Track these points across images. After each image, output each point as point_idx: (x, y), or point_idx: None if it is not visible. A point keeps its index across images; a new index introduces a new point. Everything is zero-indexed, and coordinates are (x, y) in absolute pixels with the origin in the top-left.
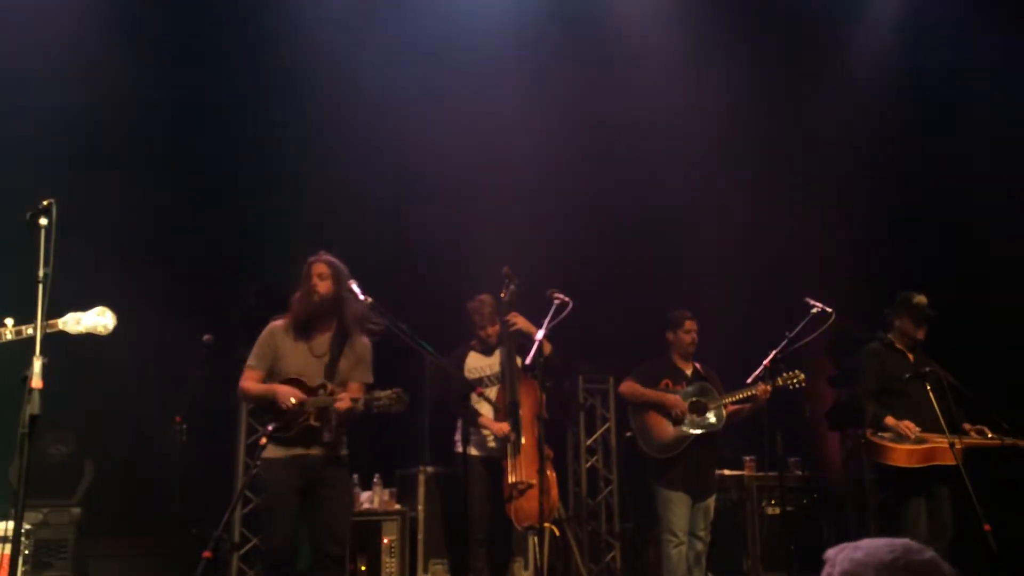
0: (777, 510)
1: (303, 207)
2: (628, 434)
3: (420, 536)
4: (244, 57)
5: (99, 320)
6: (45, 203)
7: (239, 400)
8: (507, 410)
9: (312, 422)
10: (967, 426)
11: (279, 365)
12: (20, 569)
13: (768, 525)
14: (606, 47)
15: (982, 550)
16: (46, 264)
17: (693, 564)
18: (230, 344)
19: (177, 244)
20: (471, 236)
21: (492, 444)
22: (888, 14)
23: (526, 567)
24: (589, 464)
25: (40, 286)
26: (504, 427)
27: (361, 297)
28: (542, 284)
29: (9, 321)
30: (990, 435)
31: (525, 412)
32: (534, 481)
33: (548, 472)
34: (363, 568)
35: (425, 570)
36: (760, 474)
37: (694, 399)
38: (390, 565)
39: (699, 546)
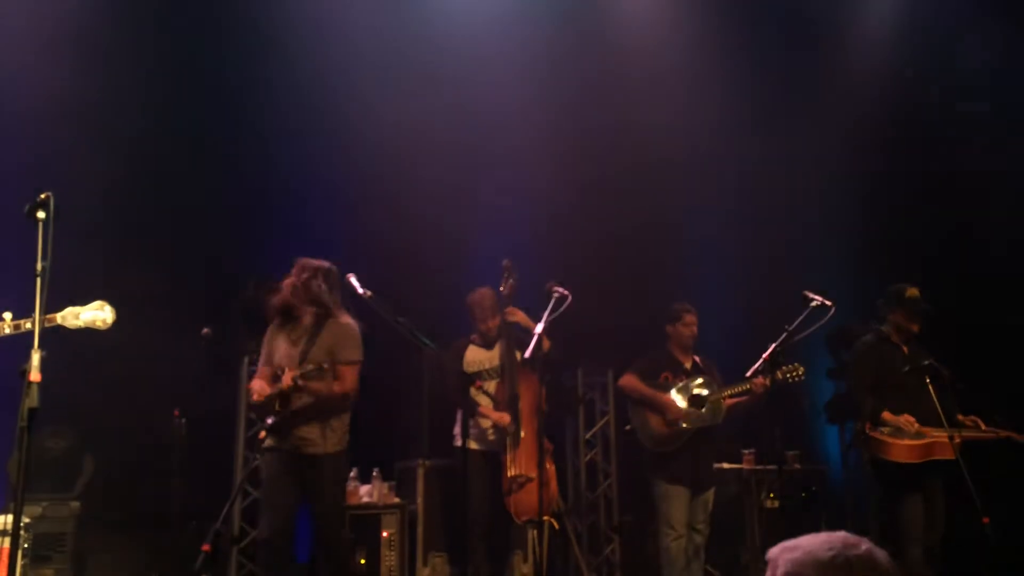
0: (776, 503)
1: (303, 200)
2: (628, 427)
3: (419, 529)
4: (244, 49)
5: (98, 314)
6: (43, 196)
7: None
8: (507, 403)
9: (278, 408)
10: (961, 417)
11: (273, 359)
12: (19, 563)
13: (767, 518)
14: (606, 40)
15: (979, 542)
16: (44, 257)
17: (692, 557)
18: (228, 337)
19: (176, 237)
20: (471, 229)
21: (491, 437)
22: (887, 8)
23: (525, 560)
24: (588, 457)
25: (38, 279)
26: (505, 417)
27: (360, 291)
28: (541, 277)
29: (7, 315)
30: (984, 427)
31: (524, 405)
32: (533, 474)
33: (547, 465)
34: (362, 561)
35: (425, 563)
36: (759, 467)
37: (692, 394)
38: (389, 558)
39: (698, 539)
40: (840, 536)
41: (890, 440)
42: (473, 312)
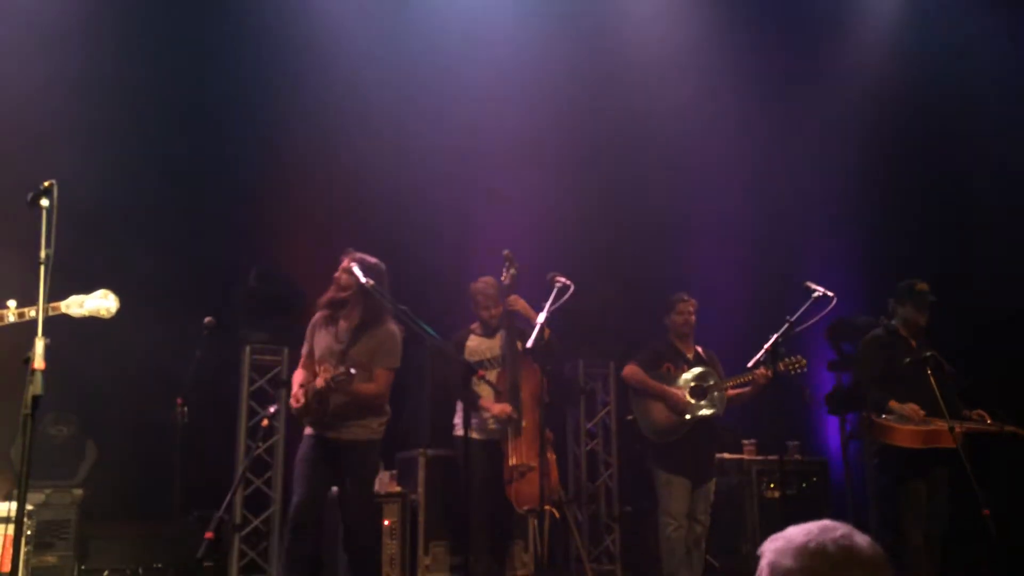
0: (776, 494)
1: (305, 190)
2: (630, 417)
3: (421, 518)
4: (245, 43)
5: (102, 303)
6: (46, 184)
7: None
8: (508, 393)
9: (316, 407)
10: (967, 412)
11: (315, 354)
12: (23, 550)
13: (767, 509)
14: (609, 32)
15: (980, 535)
16: (48, 245)
17: (692, 547)
18: (231, 326)
19: (179, 226)
20: (473, 219)
21: (492, 427)
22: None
23: (526, 550)
24: (589, 447)
25: (42, 268)
26: (506, 408)
27: (363, 280)
28: (543, 267)
29: (12, 303)
30: (989, 421)
31: (526, 395)
32: (534, 464)
33: (548, 455)
34: None
35: (426, 552)
36: (760, 458)
37: (694, 384)
38: (391, 547)
39: (698, 529)
40: (821, 523)
41: (895, 425)
42: (475, 301)
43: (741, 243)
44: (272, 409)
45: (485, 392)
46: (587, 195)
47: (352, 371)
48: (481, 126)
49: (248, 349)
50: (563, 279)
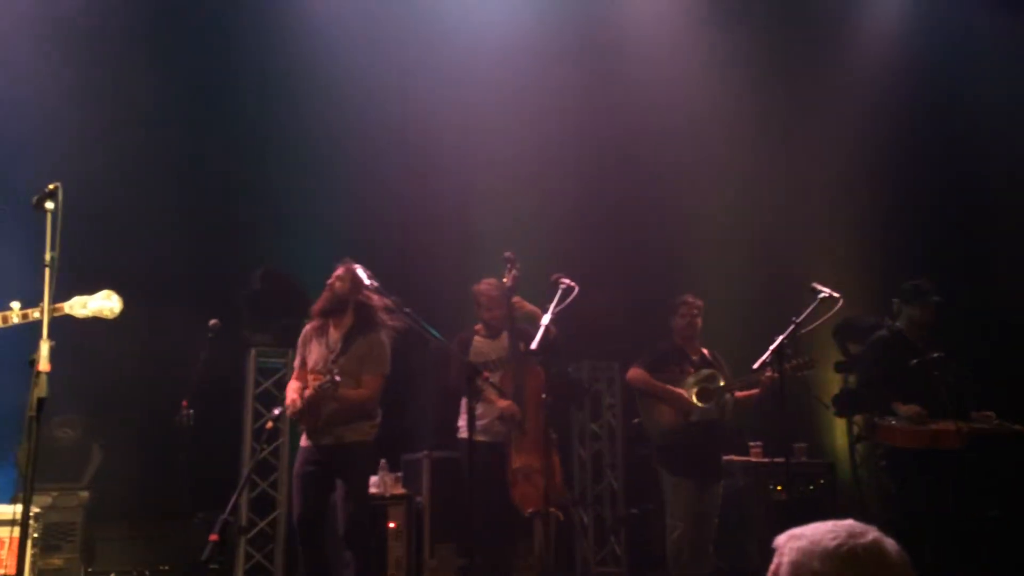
0: (783, 496)
1: (309, 192)
2: (636, 420)
3: (426, 521)
4: (252, 44)
5: (105, 303)
6: (51, 187)
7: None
8: (512, 394)
9: (309, 415)
10: (974, 413)
11: (308, 363)
12: (29, 552)
13: (774, 511)
14: (611, 32)
15: (986, 535)
16: (52, 248)
17: (699, 549)
18: (236, 328)
19: (183, 228)
20: (476, 221)
21: (496, 429)
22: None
23: (531, 552)
24: (594, 449)
25: (47, 270)
26: (512, 404)
27: (368, 282)
28: (548, 268)
29: (16, 304)
30: (996, 422)
31: (530, 396)
32: (538, 465)
33: (553, 456)
34: None
35: (431, 554)
36: (766, 460)
37: (700, 386)
38: (397, 549)
39: (705, 531)
40: (846, 524)
41: (898, 427)
42: (477, 303)
43: (747, 244)
44: (277, 411)
45: (490, 394)
46: (592, 196)
47: (337, 379)
48: (485, 128)
49: (253, 352)
50: (567, 280)
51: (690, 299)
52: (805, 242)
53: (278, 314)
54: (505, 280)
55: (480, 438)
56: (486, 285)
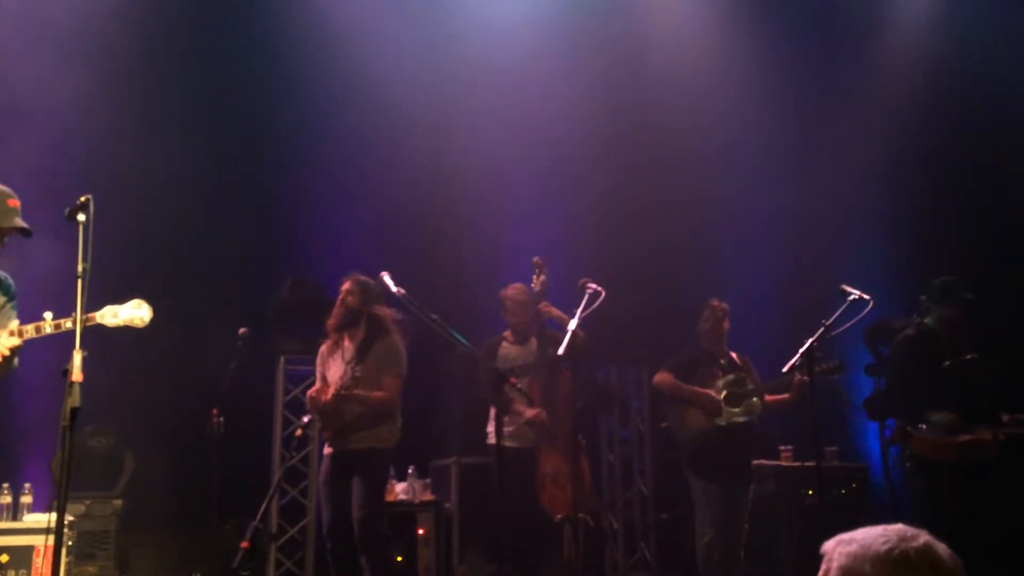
0: (815, 500)
1: (338, 200)
2: (664, 424)
3: (455, 526)
4: (281, 55)
5: (136, 313)
6: (83, 199)
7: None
8: (541, 400)
9: (331, 419)
10: (1007, 417)
11: (327, 378)
12: (64, 560)
13: (806, 516)
14: (639, 33)
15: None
16: (84, 259)
17: (730, 554)
18: (265, 337)
19: (213, 238)
20: (504, 226)
21: (526, 435)
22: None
23: (560, 557)
24: (623, 454)
25: (79, 281)
26: (541, 412)
27: (394, 289)
28: (575, 273)
29: (48, 315)
30: None
31: (558, 402)
32: (568, 471)
33: (582, 462)
34: (399, 559)
35: (460, 560)
36: (797, 464)
37: (729, 390)
38: (426, 556)
39: (736, 536)
40: (897, 528)
41: (929, 438)
42: (504, 308)
43: (775, 247)
44: (307, 419)
45: (518, 400)
46: (619, 201)
47: (358, 374)
48: (512, 133)
49: (282, 359)
50: (594, 285)
51: (715, 303)
52: (835, 243)
53: (307, 322)
54: (533, 285)
55: (510, 444)
56: (513, 290)
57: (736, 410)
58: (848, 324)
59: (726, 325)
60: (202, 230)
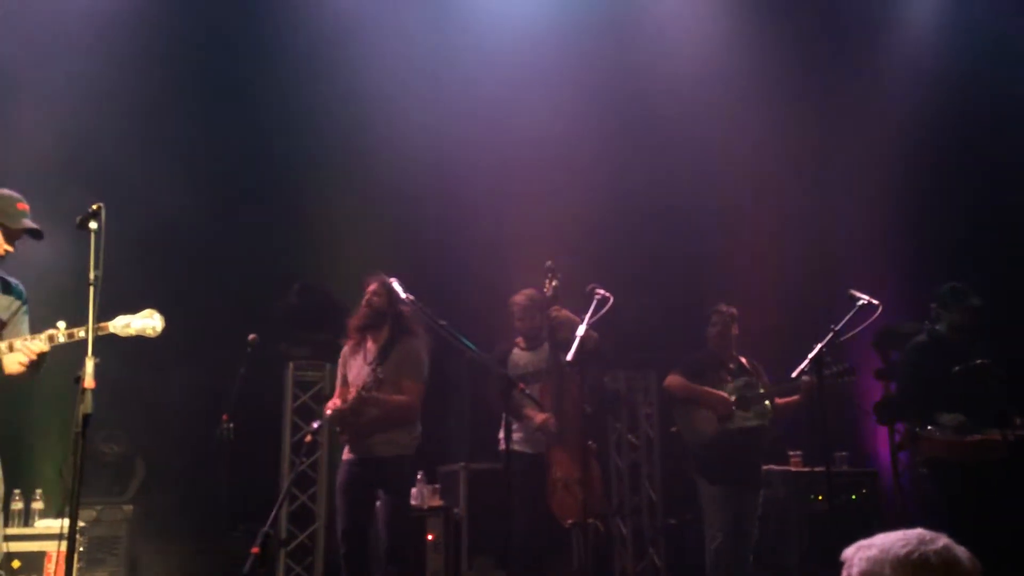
0: (824, 506)
1: (346, 206)
2: (674, 429)
3: (464, 532)
4: (287, 60)
5: (147, 322)
6: (95, 207)
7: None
8: (551, 405)
9: (350, 421)
10: (1018, 419)
11: (348, 380)
12: (75, 566)
13: (815, 521)
14: (646, 37)
15: None
16: (96, 267)
17: (740, 559)
18: (274, 343)
19: (222, 244)
20: (513, 231)
21: (536, 440)
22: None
23: (569, 563)
24: (631, 460)
25: (91, 289)
26: (549, 417)
27: (403, 295)
28: (583, 279)
29: (61, 324)
30: None
31: (568, 407)
32: (578, 476)
33: (592, 467)
34: None
35: (470, 566)
36: (806, 469)
37: (738, 396)
38: (435, 561)
39: (746, 541)
40: (916, 532)
41: (939, 438)
42: (511, 313)
43: (783, 251)
44: (316, 425)
45: (528, 405)
46: (627, 206)
47: (380, 376)
48: (520, 138)
49: (291, 366)
50: (603, 291)
51: (723, 308)
52: (843, 247)
53: (315, 328)
54: (545, 289)
55: (520, 449)
56: (519, 296)
57: (747, 414)
58: (857, 329)
59: (735, 330)
60: (211, 236)
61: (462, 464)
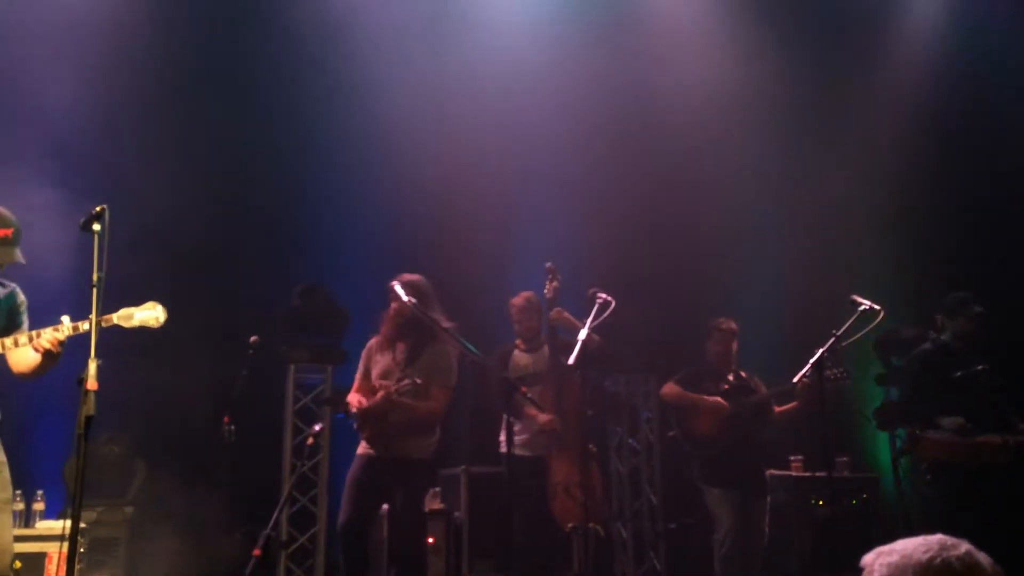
0: (826, 510)
1: (347, 208)
2: (671, 434)
3: (464, 536)
4: (290, 63)
5: (150, 313)
6: (98, 209)
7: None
8: (553, 408)
9: (374, 421)
10: (1022, 425)
11: (371, 374)
12: (76, 567)
13: (817, 526)
14: (647, 41)
15: None
16: (100, 268)
17: (747, 564)
18: (275, 345)
19: (224, 246)
20: (514, 236)
21: (537, 443)
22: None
23: (570, 567)
24: (632, 464)
25: (94, 290)
26: (554, 418)
27: (405, 298)
28: (584, 284)
29: (65, 318)
30: None
31: (569, 410)
32: (579, 480)
33: (593, 471)
34: None
35: (470, 570)
36: (808, 474)
37: (734, 400)
38: (435, 564)
39: (752, 545)
40: (937, 538)
41: (939, 440)
42: (513, 316)
43: (783, 255)
44: (317, 427)
45: (528, 409)
46: (627, 210)
47: (418, 380)
48: (521, 142)
49: (292, 368)
50: (604, 295)
51: (723, 326)
52: (844, 253)
53: (317, 331)
54: (546, 291)
55: (521, 453)
56: (518, 298)
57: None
58: (859, 334)
59: (735, 347)
60: (212, 238)
61: (463, 467)
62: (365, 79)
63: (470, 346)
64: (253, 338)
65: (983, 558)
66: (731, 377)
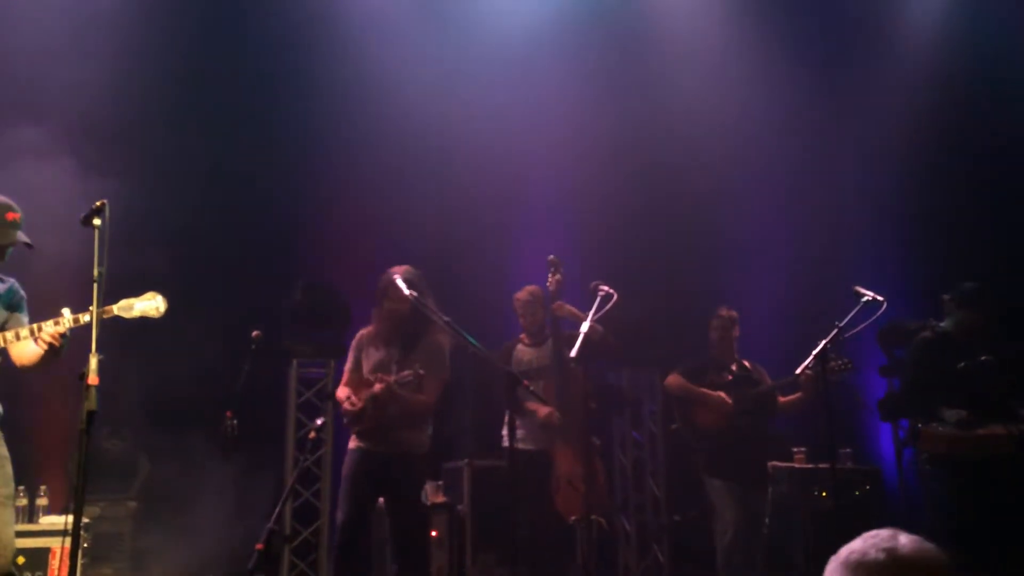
0: (828, 502)
1: (349, 202)
2: (674, 427)
3: (467, 529)
4: (293, 61)
5: (151, 303)
6: (99, 204)
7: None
8: (556, 402)
9: (372, 414)
10: None
11: (363, 366)
12: (80, 562)
13: (819, 518)
14: (648, 35)
15: None
16: (100, 263)
17: (751, 556)
18: (278, 339)
19: (226, 240)
20: (515, 229)
21: (540, 436)
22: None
23: (573, 560)
24: (635, 457)
25: (95, 285)
26: (553, 411)
27: (406, 291)
28: (587, 277)
29: (66, 311)
30: None
31: (573, 403)
32: (582, 473)
33: (596, 463)
34: None
35: (473, 563)
36: (810, 466)
37: (738, 391)
38: (438, 558)
39: (755, 539)
40: (872, 534)
41: (944, 432)
42: (517, 310)
43: (787, 248)
44: (319, 422)
45: (531, 403)
46: (630, 204)
47: (420, 371)
48: (523, 137)
49: (294, 362)
50: (606, 288)
51: (723, 312)
52: (847, 245)
53: (319, 325)
54: (548, 284)
55: (524, 446)
56: (521, 292)
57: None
58: (862, 325)
59: (735, 333)
60: (214, 232)
61: (466, 460)
62: (368, 75)
63: (472, 340)
64: (255, 332)
65: (906, 540)
66: (734, 367)
